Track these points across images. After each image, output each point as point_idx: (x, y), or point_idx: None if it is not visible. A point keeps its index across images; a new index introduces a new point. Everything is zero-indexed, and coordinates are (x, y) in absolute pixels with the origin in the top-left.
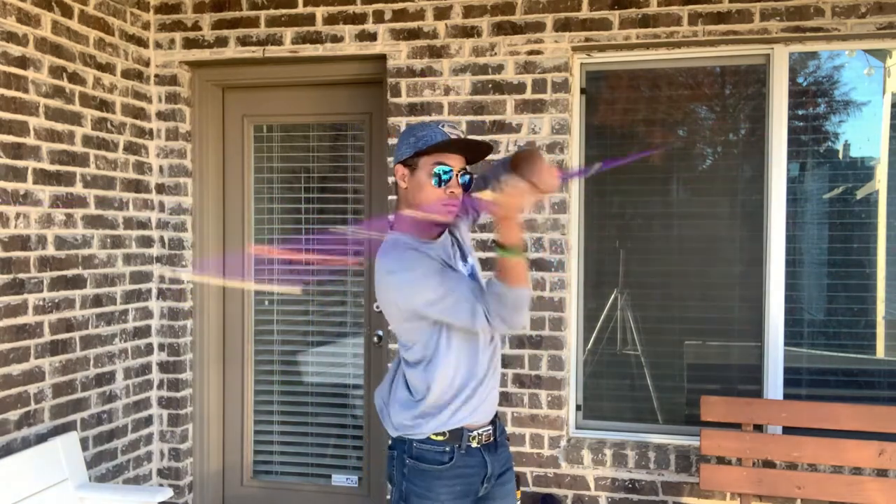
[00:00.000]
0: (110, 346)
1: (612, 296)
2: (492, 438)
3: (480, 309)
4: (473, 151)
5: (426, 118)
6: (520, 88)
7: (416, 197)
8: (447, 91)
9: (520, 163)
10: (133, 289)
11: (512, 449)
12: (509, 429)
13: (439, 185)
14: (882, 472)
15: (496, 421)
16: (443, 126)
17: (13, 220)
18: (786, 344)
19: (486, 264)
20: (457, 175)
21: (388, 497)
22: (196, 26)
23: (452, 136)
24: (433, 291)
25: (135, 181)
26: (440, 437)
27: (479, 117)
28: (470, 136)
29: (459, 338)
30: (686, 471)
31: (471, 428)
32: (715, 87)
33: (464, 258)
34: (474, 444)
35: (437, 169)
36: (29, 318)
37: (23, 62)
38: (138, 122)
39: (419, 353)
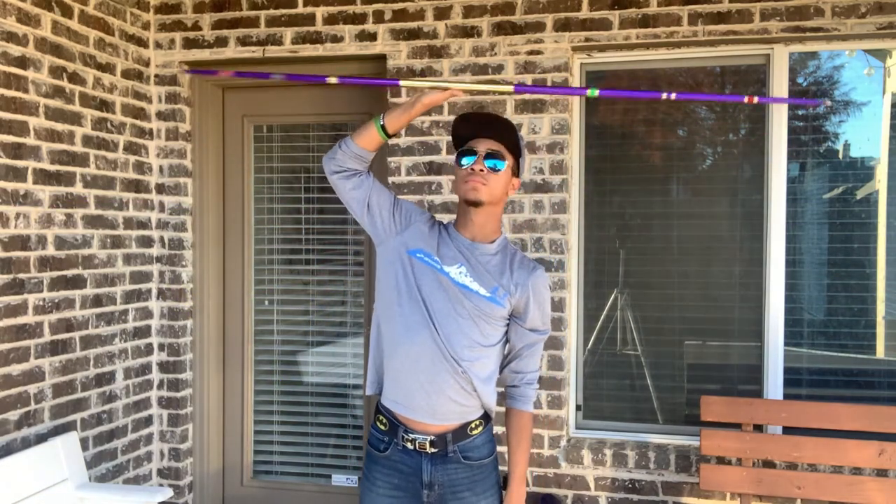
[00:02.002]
0: (110, 346)
1: (612, 296)
2: (434, 450)
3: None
4: (493, 129)
5: (426, 118)
6: None
7: (455, 187)
8: None
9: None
10: (133, 289)
11: None
12: None
13: (463, 165)
14: (882, 472)
15: (447, 437)
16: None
17: (13, 220)
18: (786, 344)
19: None
20: (482, 154)
21: None
22: (196, 26)
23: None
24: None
25: (135, 181)
26: (383, 427)
27: None
28: (481, 112)
29: (410, 274)
30: (686, 471)
31: (407, 426)
32: (715, 87)
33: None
34: (409, 447)
35: (460, 150)
36: (29, 318)
37: (23, 62)
38: (138, 122)
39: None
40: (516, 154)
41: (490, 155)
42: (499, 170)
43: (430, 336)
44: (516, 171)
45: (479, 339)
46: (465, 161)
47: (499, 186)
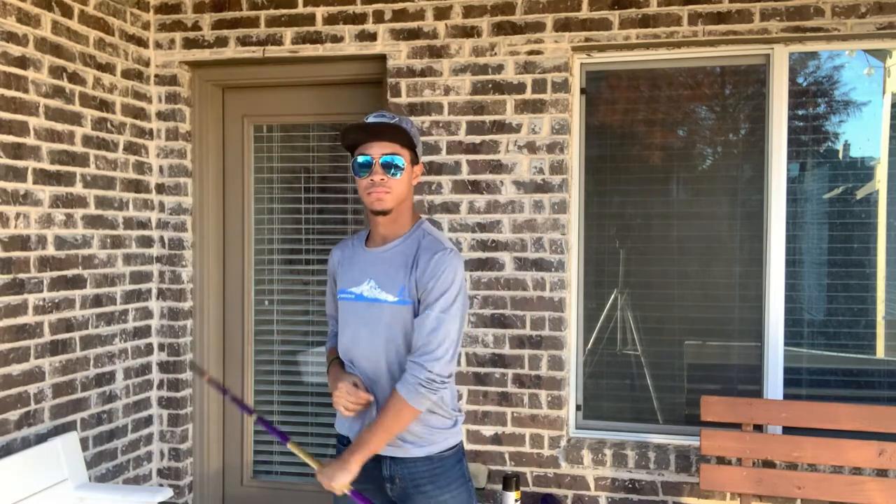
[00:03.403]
0: (110, 346)
1: (612, 296)
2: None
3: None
4: (392, 135)
5: (426, 118)
6: (520, 88)
7: (360, 195)
8: (447, 91)
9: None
10: (133, 289)
11: (512, 449)
12: (509, 429)
13: (362, 176)
14: (882, 472)
15: (389, 464)
16: (367, 117)
17: (13, 220)
18: (786, 344)
19: (484, 264)
20: (377, 161)
21: None
22: (196, 26)
23: (360, 123)
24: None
25: (135, 181)
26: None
27: (479, 117)
28: (384, 120)
29: (340, 314)
30: (686, 471)
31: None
32: (715, 87)
33: (391, 286)
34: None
35: (354, 159)
36: (29, 318)
37: (23, 62)
38: (138, 122)
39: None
40: (411, 144)
41: (387, 159)
42: (398, 170)
43: (368, 359)
44: (416, 159)
45: (391, 342)
46: (362, 172)
47: (402, 187)
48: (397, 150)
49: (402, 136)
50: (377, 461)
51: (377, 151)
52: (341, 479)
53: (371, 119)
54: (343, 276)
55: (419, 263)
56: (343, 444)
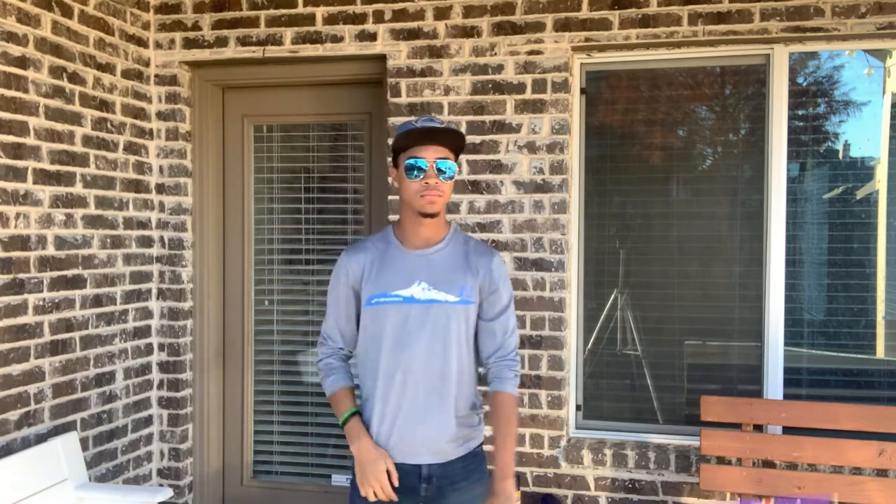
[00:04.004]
0: (110, 346)
1: (612, 296)
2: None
3: (321, 340)
4: (447, 139)
5: None
6: (520, 88)
7: (402, 194)
8: (447, 91)
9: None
10: (133, 289)
11: None
12: None
13: (414, 178)
14: (882, 472)
15: (428, 466)
16: (417, 122)
17: (13, 220)
18: (786, 344)
19: None
20: (432, 165)
21: None
22: (196, 26)
23: (417, 126)
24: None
25: (135, 181)
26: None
27: (479, 117)
28: (436, 125)
29: (374, 321)
30: (686, 471)
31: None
32: (715, 87)
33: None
34: None
35: (407, 162)
36: (29, 318)
37: (23, 62)
38: (138, 122)
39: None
40: (459, 151)
41: (440, 164)
42: (451, 176)
43: (387, 340)
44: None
45: (461, 342)
46: (416, 175)
47: (450, 192)
48: (449, 156)
49: (455, 141)
50: (416, 464)
51: (431, 155)
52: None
53: (421, 123)
54: (377, 279)
55: (480, 266)
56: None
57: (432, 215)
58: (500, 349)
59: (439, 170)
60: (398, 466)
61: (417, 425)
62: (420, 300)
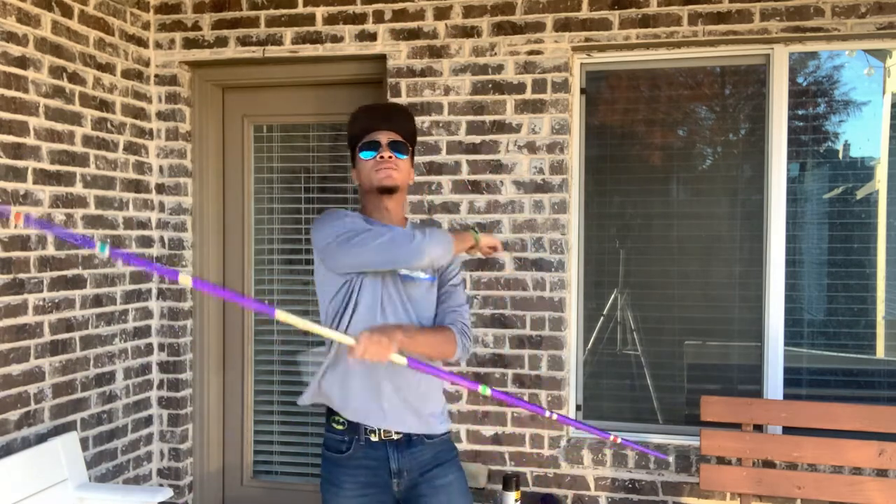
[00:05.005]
0: (110, 346)
1: (612, 296)
2: (399, 436)
3: (369, 235)
4: (398, 124)
5: (426, 118)
6: (520, 88)
7: (361, 181)
8: (447, 91)
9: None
10: (133, 289)
11: (512, 449)
12: (509, 429)
13: (369, 156)
14: (882, 472)
15: (391, 454)
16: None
17: (13, 220)
18: (786, 344)
19: (484, 263)
20: (386, 145)
21: None
22: (196, 26)
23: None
24: (342, 227)
25: (135, 181)
26: (340, 427)
27: (479, 117)
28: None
29: (362, 302)
30: (686, 471)
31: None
32: (715, 87)
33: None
34: (374, 439)
35: (361, 143)
36: (29, 318)
37: (23, 62)
38: (138, 122)
39: (330, 308)
40: (413, 139)
41: (393, 144)
42: (404, 154)
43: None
44: (412, 161)
45: (430, 316)
46: (370, 153)
47: (407, 172)
48: (403, 142)
49: (408, 125)
50: (384, 459)
51: (384, 137)
52: (386, 345)
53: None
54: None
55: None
56: (341, 423)
57: (390, 189)
58: (454, 312)
59: (392, 146)
60: (374, 432)
61: (383, 381)
62: (403, 275)
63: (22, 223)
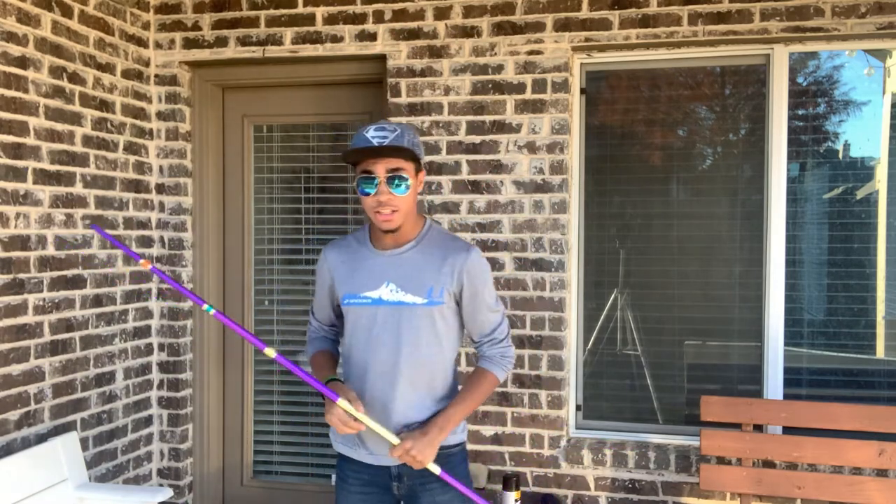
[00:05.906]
0: (110, 346)
1: (612, 296)
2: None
3: (310, 318)
4: (387, 149)
5: (426, 118)
6: (520, 88)
7: (364, 209)
8: (447, 91)
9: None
10: (133, 289)
11: (512, 449)
12: (509, 429)
13: (366, 194)
14: (882, 472)
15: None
16: (367, 131)
17: (13, 220)
18: (786, 344)
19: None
20: (384, 180)
21: None
22: (196, 26)
23: (366, 142)
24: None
25: (135, 181)
26: None
27: (479, 117)
28: (386, 132)
29: (350, 319)
30: (686, 471)
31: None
32: (715, 87)
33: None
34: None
35: (358, 178)
36: (29, 318)
37: (23, 62)
38: (138, 122)
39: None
40: (415, 157)
41: (391, 176)
42: (404, 185)
43: (363, 332)
44: (419, 167)
45: (430, 341)
46: (367, 190)
47: (409, 202)
48: (401, 165)
49: (406, 151)
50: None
51: (381, 168)
52: (429, 455)
53: (372, 133)
54: (348, 279)
55: (456, 263)
56: (346, 461)
57: (392, 231)
58: (490, 337)
59: (390, 181)
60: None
61: (388, 402)
62: (388, 302)
63: (149, 269)
